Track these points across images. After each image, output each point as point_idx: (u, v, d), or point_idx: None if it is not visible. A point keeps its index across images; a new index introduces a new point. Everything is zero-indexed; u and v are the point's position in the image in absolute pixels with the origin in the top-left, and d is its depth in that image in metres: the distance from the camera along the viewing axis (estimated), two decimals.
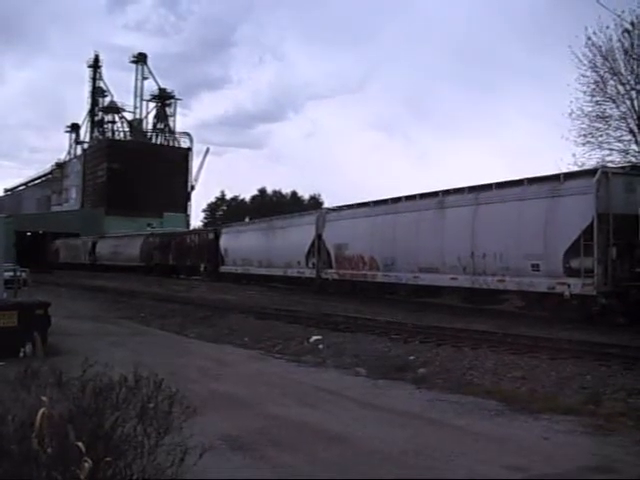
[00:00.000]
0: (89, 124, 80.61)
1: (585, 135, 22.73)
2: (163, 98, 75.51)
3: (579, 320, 13.77)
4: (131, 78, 75.92)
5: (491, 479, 4.70)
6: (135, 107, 76.43)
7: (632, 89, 22.29)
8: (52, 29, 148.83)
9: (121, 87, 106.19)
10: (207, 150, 75.93)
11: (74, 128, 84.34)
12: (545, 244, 14.96)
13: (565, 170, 17.45)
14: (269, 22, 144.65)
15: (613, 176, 14.29)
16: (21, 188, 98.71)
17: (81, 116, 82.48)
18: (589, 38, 22.16)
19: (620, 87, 22.47)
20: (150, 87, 75.89)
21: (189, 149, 75.44)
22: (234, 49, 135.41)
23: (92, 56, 78.41)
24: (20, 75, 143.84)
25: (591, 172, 14.95)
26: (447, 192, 18.96)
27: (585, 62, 22.43)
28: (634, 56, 21.84)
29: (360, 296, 21.96)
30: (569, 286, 14.25)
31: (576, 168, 20.28)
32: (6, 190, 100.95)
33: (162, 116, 75.98)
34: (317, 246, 25.02)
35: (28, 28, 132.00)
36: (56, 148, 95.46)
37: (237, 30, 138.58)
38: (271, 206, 72.06)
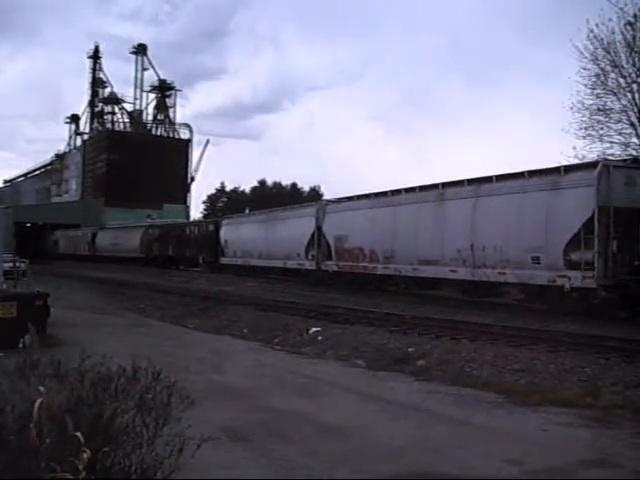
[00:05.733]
0: (89, 115, 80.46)
1: (586, 128, 22.60)
2: (163, 89, 75.25)
3: (579, 313, 13.76)
4: (128, 68, 75.83)
5: (491, 479, 4.70)
6: (135, 98, 76.29)
7: (633, 82, 22.16)
8: (45, 19, 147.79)
9: (118, 77, 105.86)
10: (207, 141, 75.71)
11: (74, 119, 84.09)
12: (546, 237, 14.94)
13: (565, 163, 17.41)
14: (265, 11, 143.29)
15: (614, 169, 14.25)
16: (20, 179, 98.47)
17: (77, 107, 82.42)
18: (591, 31, 22.04)
19: (621, 80, 22.34)
20: (150, 78, 75.77)
21: (189, 140, 75.25)
22: (230, 39, 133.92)
23: (91, 47, 78.12)
24: (14, 66, 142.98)
25: (592, 165, 14.92)
26: (447, 184, 18.91)
27: (586, 55, 22.28)
28: (636, 49, 21.71)
29: (360, 288, 21.97)
30: (569, 279, 14.24)
31: (576, 161, 20.22)
32: (5, 181, 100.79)
33: (162, 107, 75.72)
34: (317, 238, 24.99)
35: (21, 19, 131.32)
36: (52, 139, 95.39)
37: (233, 19, 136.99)
38: (271, 197, 71.86)
